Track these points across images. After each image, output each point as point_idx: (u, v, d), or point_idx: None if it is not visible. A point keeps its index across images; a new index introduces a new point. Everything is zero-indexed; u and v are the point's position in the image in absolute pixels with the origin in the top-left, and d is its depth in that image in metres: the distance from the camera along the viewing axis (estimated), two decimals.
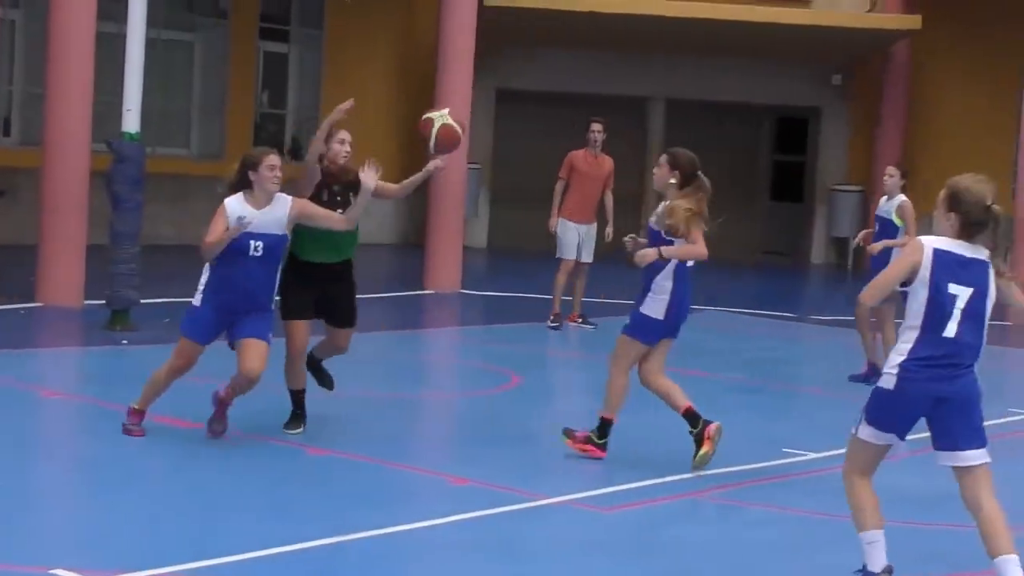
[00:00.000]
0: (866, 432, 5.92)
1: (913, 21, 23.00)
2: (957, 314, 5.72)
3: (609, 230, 14.32)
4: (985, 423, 5.97)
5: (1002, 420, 10.37)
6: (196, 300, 8.17)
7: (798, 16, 22.90)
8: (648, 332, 8.20)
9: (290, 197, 8.20)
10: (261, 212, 8.06)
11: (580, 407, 10.11)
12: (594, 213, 14.55)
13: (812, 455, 9.00)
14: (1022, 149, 19.96)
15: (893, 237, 11.82)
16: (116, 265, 12.66)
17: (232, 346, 8.18)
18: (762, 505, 7.71)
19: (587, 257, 14.57)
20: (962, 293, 5.72)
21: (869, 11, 24.12)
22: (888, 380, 5.79)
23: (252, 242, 7.99)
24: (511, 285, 14.90)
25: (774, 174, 27.06)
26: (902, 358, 5.76)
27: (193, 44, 21.91)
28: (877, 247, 11.78)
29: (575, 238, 14.41)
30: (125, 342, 12.00)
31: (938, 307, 5.71)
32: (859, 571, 5.98)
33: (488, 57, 21.25)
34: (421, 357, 10.19)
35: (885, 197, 12.14)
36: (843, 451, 9.11)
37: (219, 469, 7.60)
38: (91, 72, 13.92)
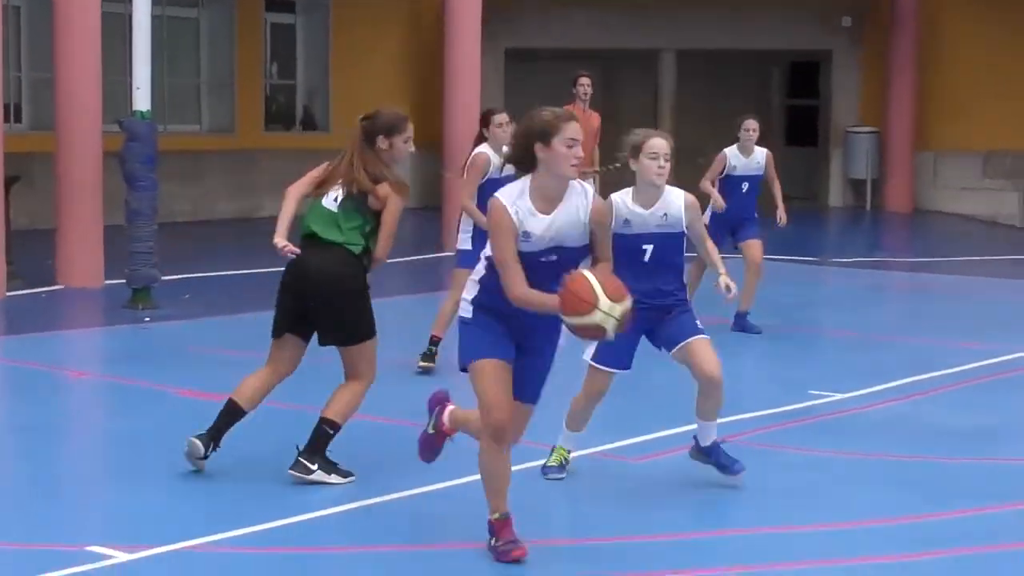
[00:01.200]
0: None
1: None
2: None
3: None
4: None
5: None
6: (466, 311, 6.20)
7: None
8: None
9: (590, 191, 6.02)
10: (557, 212, 5.88)
11: None
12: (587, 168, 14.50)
13: (838, 396, 8.99)
14: None
15: (759, 192, 11.79)
16: (134, 244, 12.68)
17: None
18: (791, 448, 7.72)
19: None
20: None
21: None
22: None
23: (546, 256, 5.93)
24: None
25: (788, 119, 26.95)
26: None
27: (198, 20, 21.87)
28: (784, 220, 11.97)
29: None
30: (148, 319, 12.04)
31: None
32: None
33: (496, 17, 21.16)
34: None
35: (737, 153, 11.66)
36: (870, 390, 9.15)
37: (251, 440, 7.58)
38: (99, 53, 13.90)
